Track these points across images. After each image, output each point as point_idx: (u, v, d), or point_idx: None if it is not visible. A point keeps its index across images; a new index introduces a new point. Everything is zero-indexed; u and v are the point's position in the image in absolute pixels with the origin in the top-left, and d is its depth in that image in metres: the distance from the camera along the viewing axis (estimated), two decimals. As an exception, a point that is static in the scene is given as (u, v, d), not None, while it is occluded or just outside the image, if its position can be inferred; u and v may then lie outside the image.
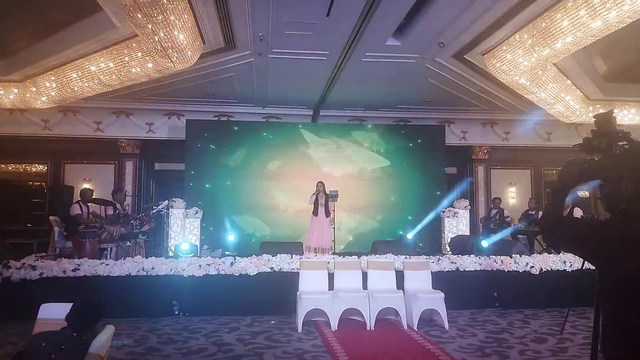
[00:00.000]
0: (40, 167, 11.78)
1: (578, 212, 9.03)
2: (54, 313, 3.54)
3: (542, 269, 7.38)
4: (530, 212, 10.69)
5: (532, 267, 7.37)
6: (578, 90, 9.41)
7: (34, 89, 8.67)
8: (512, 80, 8.30)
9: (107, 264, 6.72)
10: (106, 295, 6.23)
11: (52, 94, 8.69)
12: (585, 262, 5.87)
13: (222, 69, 9.11)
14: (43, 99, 8.87)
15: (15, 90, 8.85)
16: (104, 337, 2.94)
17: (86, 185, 10.18)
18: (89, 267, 6.62)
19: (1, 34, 7.71)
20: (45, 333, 2.90)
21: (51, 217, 9.13)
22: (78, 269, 6.57)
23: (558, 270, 7.42)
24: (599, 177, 1.82)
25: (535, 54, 7.15)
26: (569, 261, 7.43)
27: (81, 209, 8.16)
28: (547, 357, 5.01)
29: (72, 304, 2.97)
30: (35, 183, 11.86)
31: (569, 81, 9.03)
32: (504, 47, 7.59)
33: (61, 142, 11.40)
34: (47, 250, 8.84)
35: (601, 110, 2.14)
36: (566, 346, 5.39)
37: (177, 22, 6.32)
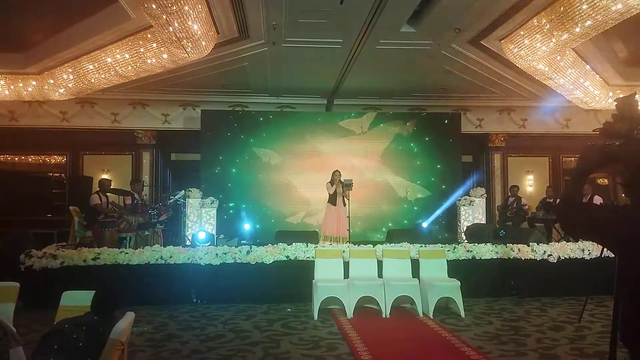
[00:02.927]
0: (59, 159, 11.97)
1: (598, 200, 8.89)
2: (75, 300, 3.63)
3: (560, 257, 7.32)
4: (548, 200, 10.55)
5: (549, 255, 7.31)
6: (597, 76, 9.20)
7: (51, 81, 8.79)
8: (530, 66, 8.15)
9: (127, 253, 6.84)
10: (126, 284, 6.42)
11: (70, 85, 8.81)
12: (605, 249, 5.80)
13: (236, 58, 9.11)
14: (61, 90, 8.99)
15: (34, 83, 8.98)
16: (125, 324, 3.00)
17: (104, 176, 10.32)
18: (108, 255, 6.76)
19: (19, 28, 7.82)
20: (69, 318, 3.03)
21: (71, 207, 9.31)
22: (98, 258, 6.72)
23: (576, 258, 7.35)
24: (619, 162, 1.78)
25: (554, 38, 7.00)
26: (587, 249, 7.34)
27: (100, 199, 8.29)
28: (564, 346, 4.98)
29: (94, 292, 3.11)
30: (54, 174, 12.08)
31: (588, 66, 8.84)
32: (522, 32, 7.44)
33: (79, 134, 11.55)
34: (67, 240, 9.02)
35: (621, 96, 2.09)
36: (584, 334, 5.35)
37: (191, 12, 6.34)
